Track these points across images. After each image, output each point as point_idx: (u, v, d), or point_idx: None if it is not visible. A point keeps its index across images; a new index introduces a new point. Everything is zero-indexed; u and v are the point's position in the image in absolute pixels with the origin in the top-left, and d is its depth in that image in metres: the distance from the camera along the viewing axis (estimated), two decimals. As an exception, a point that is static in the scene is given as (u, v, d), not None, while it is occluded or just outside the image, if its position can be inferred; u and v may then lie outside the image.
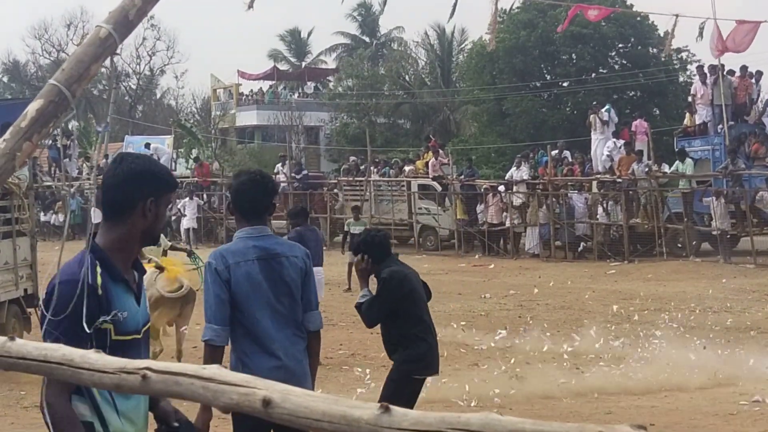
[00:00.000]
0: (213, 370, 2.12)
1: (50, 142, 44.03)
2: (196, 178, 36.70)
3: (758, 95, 27.97)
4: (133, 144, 48.02)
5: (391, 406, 1.83)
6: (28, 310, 14.45)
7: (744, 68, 27.00)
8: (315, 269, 7.05)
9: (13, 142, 2.94)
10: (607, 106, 30.40)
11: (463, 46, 57.07)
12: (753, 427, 9.43)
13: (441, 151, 32.88)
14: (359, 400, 1.98)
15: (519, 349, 13.46)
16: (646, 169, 26.26)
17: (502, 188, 29.41)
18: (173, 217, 33.55)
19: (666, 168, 26.71)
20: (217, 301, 5.32)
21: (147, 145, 43.51)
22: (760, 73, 27.63)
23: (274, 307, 5.40)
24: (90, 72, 3.05)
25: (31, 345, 2.45)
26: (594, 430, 1.60)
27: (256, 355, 5.37)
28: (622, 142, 27.86)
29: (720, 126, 26.26)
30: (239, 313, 5.36)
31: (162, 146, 41.32)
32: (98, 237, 3.72)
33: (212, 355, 5.28)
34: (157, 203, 3.75)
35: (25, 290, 14.57)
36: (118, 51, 3.21)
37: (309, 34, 68.28)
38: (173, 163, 43.95)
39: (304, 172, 35.74)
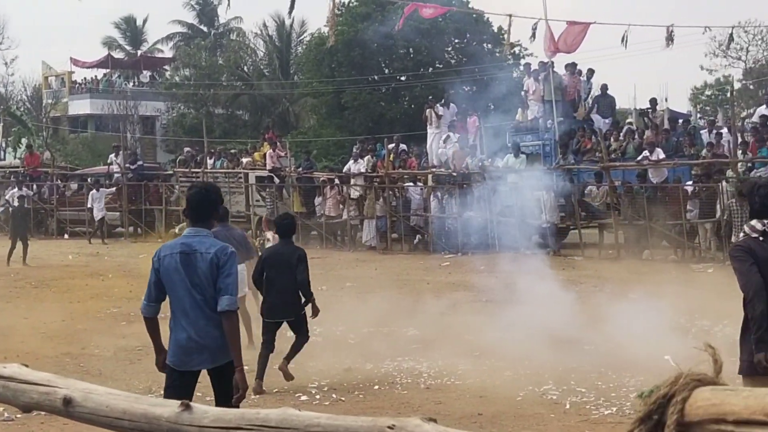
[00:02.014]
0: (13, 369, 2.06)
1: None
2: (25, 168, 35.56)
3: (588, 93, 28.92)
4: (-40, 132, 46.31)
5: (192, 404, 1.82)
6: None
7: (573, 65, 27.86)
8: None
9: None
10: (443, 101, 30.90)
11: (302, 37, 56.97)
12: (577, 416, 9.74)
13: (279, 143, 32.79)
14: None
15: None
16: (480, 163, 26.80)
17: (338, 181, 29.56)
18: (1, 209, 32.49)
19: (499, 162, 27.31)
20: (149, 283, 6.85)
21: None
22: (591, 71, 28.56)
23: (191, 291, 6.67)
24: None
25: None
26: (386, 423, 1.62)
27: (176, 329, 6.80)
28: (457, 136, 28.38)
29: (550, 122, 27.02)
30: (168, 295, 6.82)
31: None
32: None
33: (145, 323, 7.00)
34: None
35: None
36: None
37: (144, 22, 66.98)
38: (1, 152, 42.61)
39: (140, 162, 35.11)
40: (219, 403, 6.45)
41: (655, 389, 1.83)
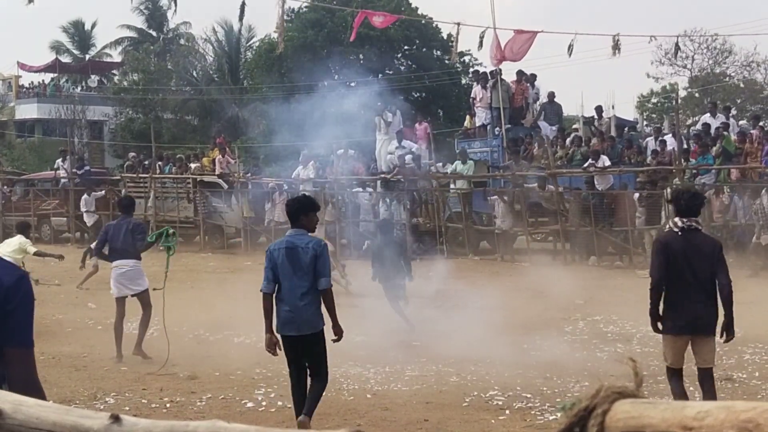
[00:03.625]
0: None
1: None
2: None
3: (534, 99, 29.16)
4: None
5: (122, 416, 1.83)
6: None
7: (520, 73, 28.09)
8: (123, 261, 13.36)
9: None
10: (391, 108, 30.99)
11: (251, 43, 56.86)
12: (522, 422, 9.82)
13: (228, 149, 32.68)
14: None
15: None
16: (427, 170, 26.94)
17: (287, 187, 29.51)
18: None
19: (448, 168, 27.47)
20: (265, 269, 9.14)
21: None
22: (534, 76, 28.80)
23: (292, 277, 8.99)
24: None
25: None
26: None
27: (279, 304, 9.11)
28: (414, 146, 28.44)
29: (498, 129, 27.22)
30: (278, 279, 9.06)
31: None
32: None
33: (263, 299, 9.19)
34: None
35: None
36: None
37: (93, 27, 66.52)
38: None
39: (87, 167, 34.79)
40: (309, 363, 9.24)
41: (576, 402, 1.86)
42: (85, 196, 31.74)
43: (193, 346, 14.46)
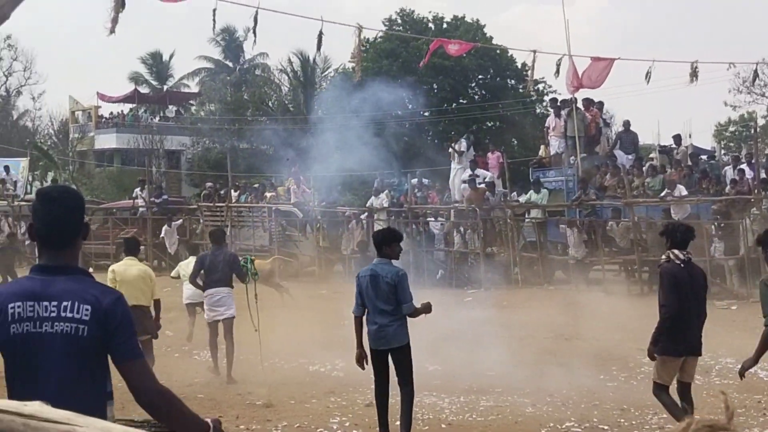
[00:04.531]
0: (35, 407, 2.10)
1: None
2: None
3: (605, 124, 28.90)
4: (-13, 166, 46.69)
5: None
6: None
7: (590, 101, 27.83)
8: (218, 289, 14.33)
9: None
10: (465, 136, 30.99)
11: (326, 73, 57.31)
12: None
13: (302, 178, 32.91)
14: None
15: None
16: (501, 199, 26.84)
17: (364, 216, 29.60)
18: (27, 242, 32.63)
19: (521, 198, 27.34)
20: (355, 294, 10.27)
21: (6, 168, 42.37)
22: (601, 104, 28.56)
23: (375, 301, 10.12)
24: None
25: None
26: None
27: (369, 323, 10.20)
28: (488, 174, 28.36)
29: (573, 158, 27.02)
30: (365, 301, 10.20)
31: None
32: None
33: (354, 321, 10.34)
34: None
35: None
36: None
37: (171, 58, 67.59)
38: (29, 186, 42.91)
39: (164, 196, 35.25)
40: (398, 373, 10.19)
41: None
42: (165, 226, 32.14)
43: (269, 373, 14.54)
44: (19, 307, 4.07)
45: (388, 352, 10.18)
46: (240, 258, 14.68)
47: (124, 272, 13.19)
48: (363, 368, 10.40)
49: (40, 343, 4.05)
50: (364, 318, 10.30)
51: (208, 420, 4.19)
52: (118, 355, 4.08)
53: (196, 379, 14.13)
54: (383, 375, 10.30)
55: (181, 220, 32.45)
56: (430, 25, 48.76)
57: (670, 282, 9.31)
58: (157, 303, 13.53)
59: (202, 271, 14.55)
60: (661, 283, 9.41)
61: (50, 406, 2.13)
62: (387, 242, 10.25)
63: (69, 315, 4.04)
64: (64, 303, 4.05)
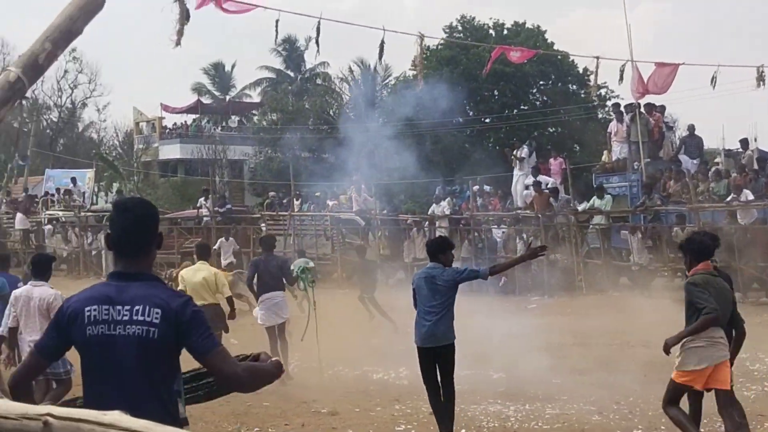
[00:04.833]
0: (114, 416, 2.14)
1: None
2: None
3: (667, 128, 28.60)
4: (54, 177, 47.48)
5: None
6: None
7: (652, 105, 27.56)
8: (274, 293, 14.72)
9: None
10: (526, 143, 30.87)
11: (387, 81, 57.39)
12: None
13: (363, 186, 33.00)
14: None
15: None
16: (564, 205, 26.67)
17: (426, 224, 29.58)
18: (93, 252, 33.15)
19: (584, 204, 27.12)
20: (412, 295, 10.79)
21: (73, 180, 43.03)
22: (663, 108, 28.26)
23: (428, 300, 10.52)
24: (-1, 116, 3.10)
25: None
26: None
27: (419, 322, 10.60)
28: (550, 180, 28.21)
29: (636, 163, 26.78)
30: (418, 301, 10.67)
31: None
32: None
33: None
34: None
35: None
36: (27, 95, 3.25)
37: (233, 68, 68.18)
38: (94, 197, 43.54)
39: (228, 206, 35.54)
40: (441, 372, 10.51)
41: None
42: (222, 239, 32.41)
43: (333, 381, 14.60)
44: (95, 310, 4.39)
45: (435, 351, 10.50)
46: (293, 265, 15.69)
47: (192, 276, 13.86)
48: None
49: (114, 344, 4.35)
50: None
51: (271, 363, 4.65)
52: (199, 350, 4.37)
53: (261, 387, 14.19)
54: (431, 373, 10.61)
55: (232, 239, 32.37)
56: (491, 31, 48.63)
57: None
58: (229, 299, 14.40)
59: (255, 276, 15.07)
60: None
61: (129, 416, 2.16)
62: (441, 250, 10.78)
63: (140, 318, 4.33)
64: (136, 307, 4.34)
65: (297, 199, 33.79)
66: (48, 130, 64.40)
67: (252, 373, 4.49)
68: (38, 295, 10.72)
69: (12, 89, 3.22)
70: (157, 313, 4.33)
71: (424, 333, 10.54)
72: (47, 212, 39.15)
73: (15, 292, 11.17)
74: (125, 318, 4.34)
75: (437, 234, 28.65)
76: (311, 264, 17.50)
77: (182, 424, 4.52)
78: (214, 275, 14.41)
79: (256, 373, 4.51)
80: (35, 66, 3.27)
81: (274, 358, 4.80)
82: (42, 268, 11.12)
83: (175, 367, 4.49)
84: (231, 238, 31.88)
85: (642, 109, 27.25)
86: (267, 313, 14.99)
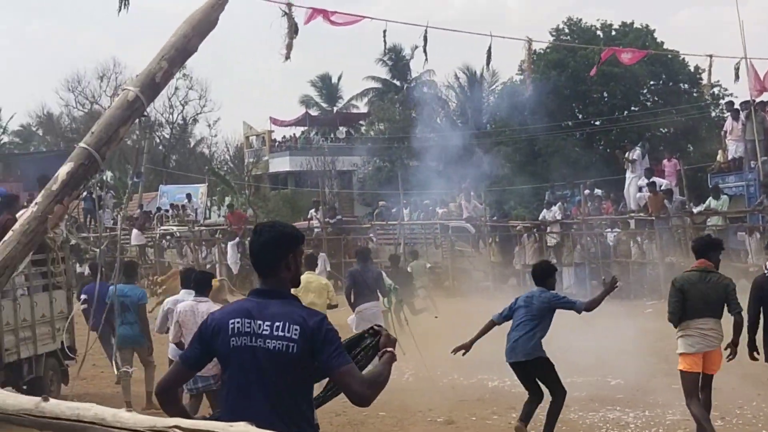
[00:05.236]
0: (240, 427, 2.16)
1: (85, 193, 44.46)
2: (227, 226, 36.66)
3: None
4: (168, 193, 48.50)
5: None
6: (66, 362, 14.56)
7: (765, 103, 26.85)
8: (370, 303, 15.18)
9: (45, 205, 3.03)
10: (639, 144, 30.36)
11: (493, 87, 57.16)
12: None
13: (473, 193, 32.89)
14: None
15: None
16: (679, 207, 26.16)
17: (536, 230, 29.34)
18: (207, 266, 33.67)
19: (699, 206, 26.58)
20: (509, 307, 11.02)
21: (188, 196, 43.86)
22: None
23: (523, 317, 10.75)
24: (119, 134, 3.15)
25: (64, 405, 2.51)
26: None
27: (509, 337, 10.87)
28: (663, 181, 27.69)
29: (753, 162, 26.13)
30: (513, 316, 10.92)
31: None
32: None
33: (487, 324, 11.18)
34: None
35: (62, 343, 14.67)
36: (145, 113, 3.31)
37: (339, 80, 68.66)
38: (207, 211, 44.27)
39: (338, 216, 35.79)
40: (545, 384, 10.80)
41: None
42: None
43: (448, 390, 14.56)
44: (238, 323, 4.77)
45: (521, 365, 10.81)
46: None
47: (304, 287, 14.01)
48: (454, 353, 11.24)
49: (255, 356, 4.73)
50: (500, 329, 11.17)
51: (387, 356, 4.95)
52: (330, 366, 4.68)
53: (376, 396, 14.22)
54: (528, 384, 10.94)
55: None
56: (599, 32, 48.02)
57: (752, 294, 10.76)
58: (334, 307, 14.59)
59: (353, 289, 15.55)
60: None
61: (254, 427, 2.17)
62: (549, 275, 11.06)
63: (281, 334, 4.71)
64: (277, 323, 4.72)
65: (406, 208, 33.84)
66: (161, 147, 65.77)
67: (377, 388, 4.75)
68: (204, 310, 10.95)
69: (131, 108, 3.29)
70: (296, 329, 4.69)
71: (508, 348, 10.87)
72: (161, 227, 39.94)
73: (179, 307, 11.59)
74: (266, 332, 4.72)
75: (548, 240, 28.46)
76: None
77: (316, 430, 4.91)
78: (324, 285, 14.78)
79: (379, 385, 4.76)
80: (152, 85, 3.33)
81: (384, 335, 5.14)
82: (203, 284, 11.71)
83: (310, 378, 4.83)
84: (322, 254, 32.25)
85: (756, 107, 26.58)
86: (362, 323, 14.99)
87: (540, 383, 10.86)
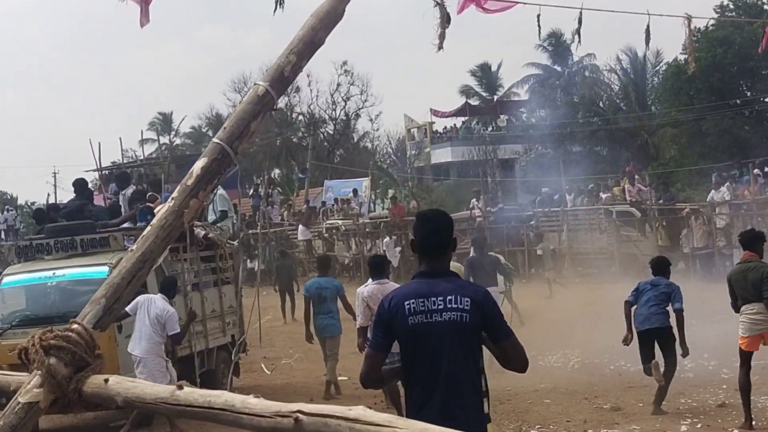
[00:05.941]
0: (358, 411, 2.19)
1: (252, 191, 45.61)
2: (389, 218, 36.92)
3: None
4: (333, 188, 49.26)
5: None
6: (241, 355, 15.03)
7: None
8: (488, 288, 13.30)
9: (181, 200, 3.14)
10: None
11: (657, 68, 55.82)
12: None
13: (637, 176, 32.24)
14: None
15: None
16: None
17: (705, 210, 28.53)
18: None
19: None
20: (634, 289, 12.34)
21: (354, 191, 44.46)
22: None
23: (649, 294, 12.13)
24: (250, 129, 3.24)
25: (197, 393, 2.61)
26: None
27: (641, 308, 12.13)
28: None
29: None
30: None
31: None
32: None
33: (626, 306, 12.37)
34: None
35: (233, 336, 15.13)
36: (275, 107, 3.39)
37: (499, 68, 68.22)
38: (372, 205, 44.76)
39: (500, 205, 35.63)
40: (663, 352, 11.88)
41: None
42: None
43: (615, 377, 14.38)
44: (413, 303, 5.13)
45: (650, 332, 11.92)
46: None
47: None
48: (627, 345, 12.30)
49: (432, 331, 5.08)
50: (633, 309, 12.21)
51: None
52: (498, 337, 5.14)
53: (541, 384, 14.14)
54: (647, 354, 11.99)
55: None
56: (766, 6, 46.32)
57: None
58: None
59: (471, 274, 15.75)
60: None
61: (373, 411, 2.21)
62: (667, 266, 12.52)
63: (454, 305, 5.08)
64: (449, 297, 5.10)
65: (569, 194, 33.44)
66: (325, 143, 66.75)
67: (526, 358, 5.25)
68: (390, 290, 11.14)
69: (261, 103, 3.36)
70: (467, 301, 5.08)
71: (641, 319, 12.03)
72: (327, 222, 40.61)
73: (364, 292, 12.10)
74: (440, 307, 5.07)
75: (718, 222, 27.65)
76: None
77: (486, 419, 5.25)
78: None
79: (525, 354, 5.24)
80: (281, 78, 3.40)
81: None
82: (380, 268, 12.29)
83: (480, 346, 5.19)
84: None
85: None
86: None
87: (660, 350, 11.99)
